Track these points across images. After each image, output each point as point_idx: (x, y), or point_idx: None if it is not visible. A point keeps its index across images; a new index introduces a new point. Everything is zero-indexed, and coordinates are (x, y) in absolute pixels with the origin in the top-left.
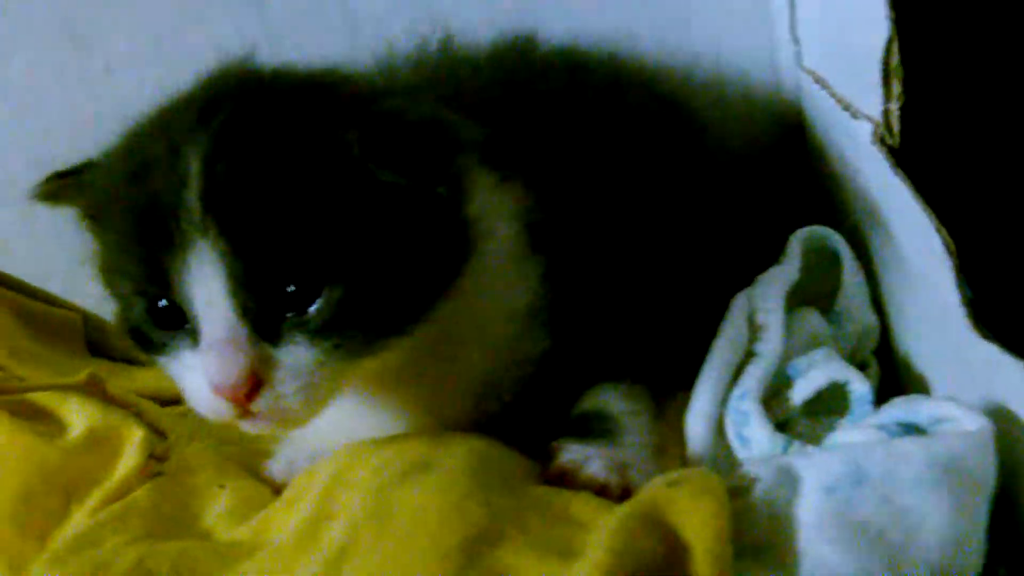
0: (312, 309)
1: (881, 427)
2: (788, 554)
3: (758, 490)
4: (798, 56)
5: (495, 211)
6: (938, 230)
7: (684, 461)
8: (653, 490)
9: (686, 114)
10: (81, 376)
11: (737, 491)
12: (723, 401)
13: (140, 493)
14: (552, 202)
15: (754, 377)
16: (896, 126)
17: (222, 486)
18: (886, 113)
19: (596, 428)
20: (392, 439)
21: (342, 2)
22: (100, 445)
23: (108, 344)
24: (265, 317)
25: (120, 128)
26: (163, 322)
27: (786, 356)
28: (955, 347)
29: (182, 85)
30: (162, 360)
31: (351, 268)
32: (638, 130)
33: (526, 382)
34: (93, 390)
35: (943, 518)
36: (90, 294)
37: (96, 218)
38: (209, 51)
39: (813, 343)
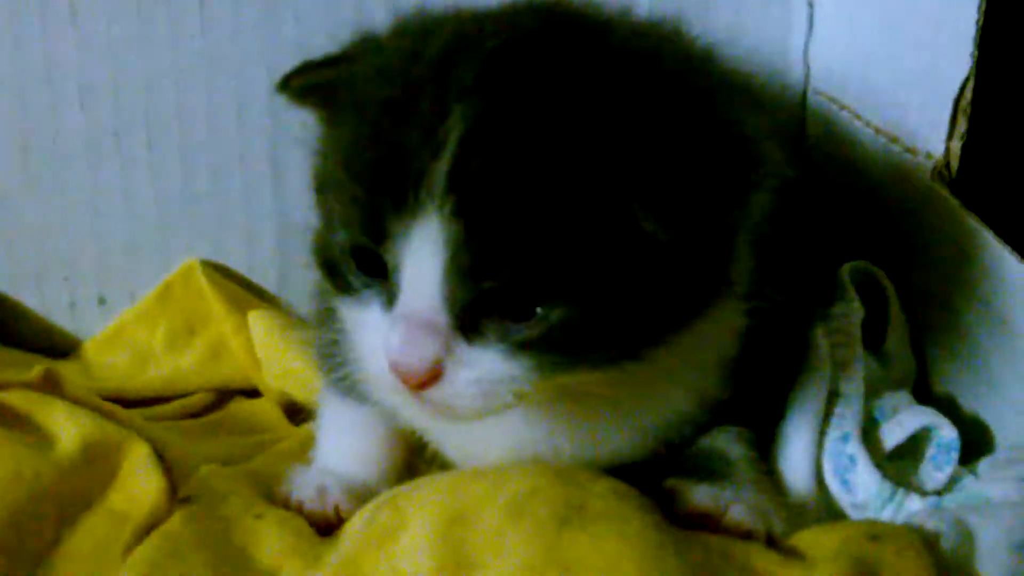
0: (523, 322)
1: (1023, 479)
2: None
3: (944, 545)
4: (807, 79)
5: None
6: None
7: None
8: (855, 544)
9: None
10: (35, 373)
11: (926, 545)
12: (819, 441)
13: (177, 523)
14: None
15: (851, 419)
16: (955, 164)
17: (259, 515)
18: (948, 151)
19: (718, 470)
20: (499, 472)
21: None
22: (97, 461)
23: (21, 333)
24: (471, 312)
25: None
26: (365, 266)
27: None
28: None
29: None
30: (346, 302)
31: (582, 294)
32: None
33: (695, 428)
34: (50, 389)
35: None
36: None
37: (331, 124)
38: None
39: (871, 385)
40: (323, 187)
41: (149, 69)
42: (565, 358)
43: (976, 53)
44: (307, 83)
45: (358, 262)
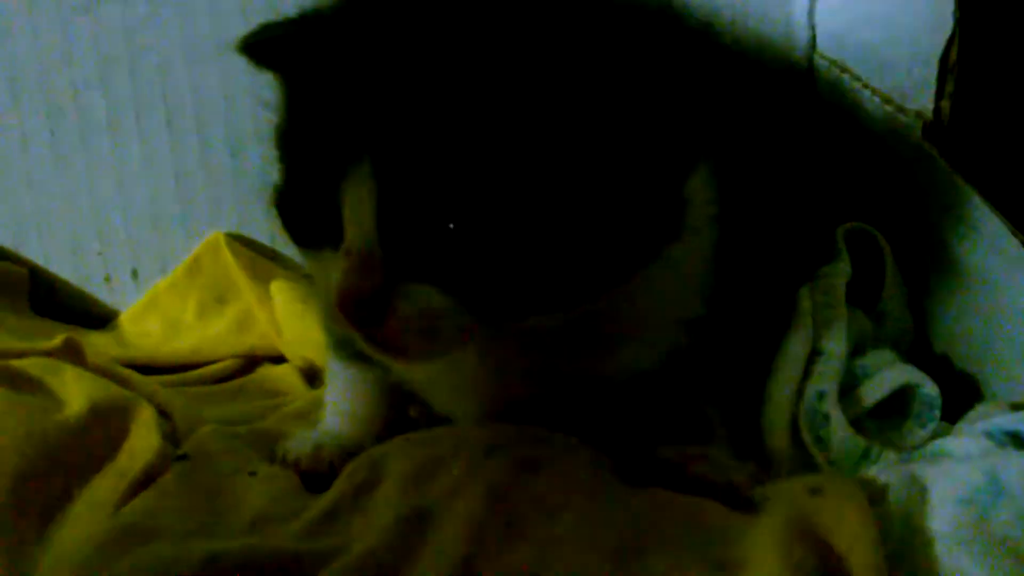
0: (460, 254)
1: (989, 435)
2: (924, 565)
3: (890, 498)
4: (812, 42)
5: (703, 197)
6: (1015, 233)
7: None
8: (796, 498)
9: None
10: (57, 341)
11: (872, 499)
12: (798, 399)
13: (169, 479)
14: (728, 194)
15: (829, 377)
16: (946, 122)
17: (252, 472)
18: (938, 110)
19: (687, 430)
20: (465, 431)
21: None
22: (104, 422)
23: (57, 304)
24: (407, 247)
25: None
26: (318, 213)
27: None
28: (1020, 349)
29: None
30: (307, 252)
31: (509, 222)
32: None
33: (655, 380)
34: (72, 357)
35: None
36: (39, 249)
37: (285, 84)
38: None
39: (861, 343)
40: (281, 143)
41: (163, 49)
42: (506, 293)
43: (958, 12)
44: (260, 42)
45: (312, 208)
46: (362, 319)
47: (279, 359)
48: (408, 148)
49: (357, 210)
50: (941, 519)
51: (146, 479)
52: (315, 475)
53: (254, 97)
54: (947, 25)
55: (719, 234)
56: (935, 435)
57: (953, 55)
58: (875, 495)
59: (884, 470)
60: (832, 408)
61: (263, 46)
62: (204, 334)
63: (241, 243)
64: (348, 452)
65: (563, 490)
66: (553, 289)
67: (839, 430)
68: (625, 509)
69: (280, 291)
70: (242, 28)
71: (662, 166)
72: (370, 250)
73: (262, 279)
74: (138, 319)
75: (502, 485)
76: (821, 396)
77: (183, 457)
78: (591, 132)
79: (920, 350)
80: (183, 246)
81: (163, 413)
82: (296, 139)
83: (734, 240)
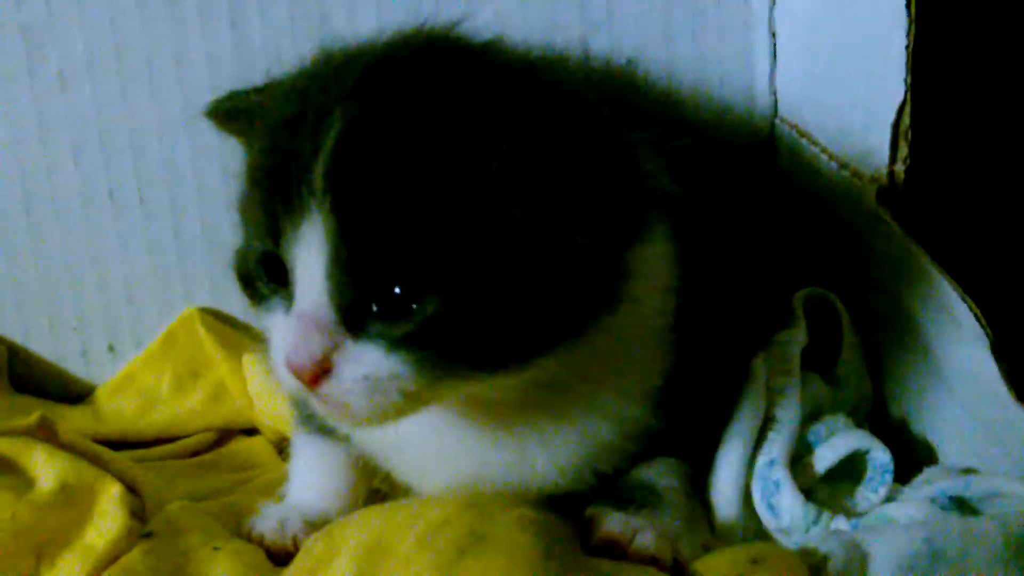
0: (403, 319)
1: (933, 500)
2: None
3: (831, 568)
4: (774, 107)
5: (654, 269)
6: (963, 299)
7: (713, 528)
8: (735, 568)
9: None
10: (32, 418)
11: (813, 569)
12: (749, 467)
13: (135, 556)
14: (691, 265)
15: (780, 445)
16: (900, 187)
17: (217, 548)
18: (892, 175)
19: (639, 499)
20: (421, 504)
21: (322, 20)
22: (73, 501)
23: (35, 381)
24: (354, 309)
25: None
26: (272, 274)
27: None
28: (973, 414)
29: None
30: (261, 312)
31: (455, 287)
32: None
33: (629, 458)
34: (45, 435)
35: None
36: (17, 325)
37: (247, 148)
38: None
39: (817, 409)
40: (240, 205)
41: (135, 127)
42: (444, 356)
43: (909, 78)
44: (226, 108)
45: (266, 270)
46: (310, 379)
47: (252, 431)
48: (364, 207)
49: (308, 270)
50: None
51: (112, 557)
52: (280, 549)
53: (225, 171)
54: (900, 91)
55: (677, 304)
56: (888, 499)
57: (905, 120)
58: (816, 564)
59: (826, 539)
60: (782, 475)
61: (227, 111)
62: (179, 408)
63: (214, 317)
64: (313, 525)
65: (507, 564)
66: (491, 349)
67: (789, 497)
68: None
69: (252, 364)
70: None
71: (589, 243)
72: (318, 313)
73: (235, 352)
74: (114, 394)
75: (450, 560)
76: (772, 463)
77: (149, 535)
78: (519, 206)
79: (879, 414)
80: (158, 321)
81: (133, 490)
82: (252, 201)
83: (693, 310)
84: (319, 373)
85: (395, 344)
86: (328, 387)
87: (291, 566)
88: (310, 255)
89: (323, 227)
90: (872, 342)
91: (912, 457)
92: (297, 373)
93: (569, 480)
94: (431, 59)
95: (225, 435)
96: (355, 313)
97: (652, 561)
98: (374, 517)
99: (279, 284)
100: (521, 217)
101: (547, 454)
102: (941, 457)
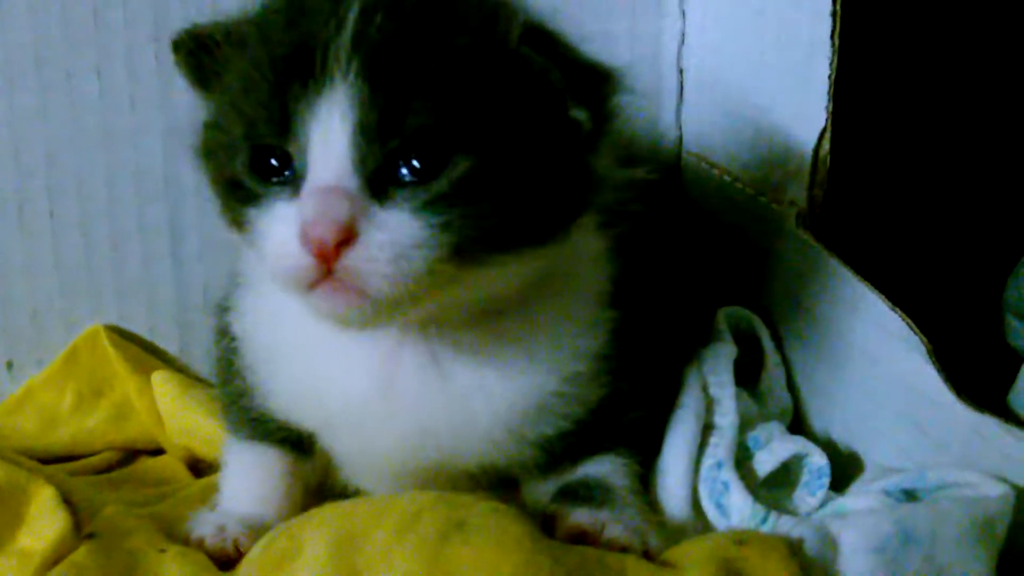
0: (432, 181)
1: (887, 494)
2: None
3: (806, 550)
4: (679, 141)
5: (590, 235)
6: (893, 309)
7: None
8: (722, 549)
9: None
10: None
11: (792, 550)
12: (695, 470)
13: (83, 554)
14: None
15: (724, 448)
16: (818, 210)
17: (163, 550)
18: (811, 199)
19: (597, 497)
20: (387, 500)
21: None
22: (3, 505)
23: None
24: (381, 174)
25: None
26: (264, 170)
27: None
28: (906, 420)
29: None
30: (251, 213)
31: (482, 146)
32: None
33: (567, 432)
34: None
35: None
36: None
37: (220, 73)
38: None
39: (746, 421)
40: (212, 124)
41: (49, 141)
42: (467, 222)
43: (831, 106)
44: (198, 34)
45: (256, 168)
46: (334, 247)
47: (157, 451)
48: (392, 70)
49: (329, 140)
50: (856, 567)
51: (56, 558)
52: (220, 553)
53: (137, 191)
54: (821, 118)
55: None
56: (824, 503)
57: (825, 146)
58: (792, 546)
59: (796, 525)
60: (731, 477)
61: (202, 35)
62: (81, 426)
63: (121, 335)
64: (253, 529)
65: (497, 548)
66: (507, 220)
67: (738, 498)
68: (559, 565)
69: (162, 382)
70: (130, 119)
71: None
72: (343, 181)
73: (142, 369)
74: (12, 412)
75: (434, 546)
76: (720, 465)
77: (92, 536)
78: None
79: (798, 427)
80: (62, 339)
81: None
82: (245, 103)
83: (622, 302)
84: (342, 242)
85: (421, 208)
86: (351, 257)
87: (247, 564)
88: (331, 129)
89: (348, 93)
90: (795, 358)
91: (837, 465)
92: (319, 245)
93: (513, 446)
94: None
95: (130, 455)
96: (380, 180)
97: (623, 551)
98: (337, 513)
99: (275, 176)
100: (542, 71)
101: (490, 410)
102: (869, 464)
